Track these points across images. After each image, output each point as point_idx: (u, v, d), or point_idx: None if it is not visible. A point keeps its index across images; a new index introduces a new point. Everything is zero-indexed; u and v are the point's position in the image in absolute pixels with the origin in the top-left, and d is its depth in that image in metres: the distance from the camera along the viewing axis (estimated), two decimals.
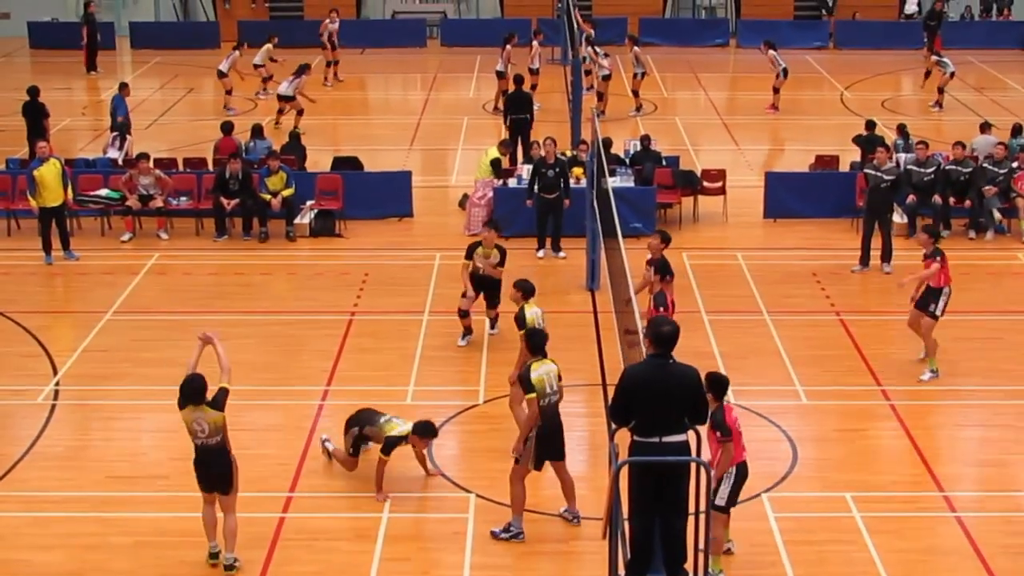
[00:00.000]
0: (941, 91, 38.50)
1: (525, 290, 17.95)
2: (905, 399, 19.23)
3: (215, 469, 14.56)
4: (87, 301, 23.20)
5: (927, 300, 19.79)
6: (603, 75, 36.58)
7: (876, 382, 19.85)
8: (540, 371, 15.07)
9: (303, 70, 35.37)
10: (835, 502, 16.40)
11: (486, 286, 21.00)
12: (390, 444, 16.05)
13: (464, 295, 20.85)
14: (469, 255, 20.83)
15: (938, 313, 19.73)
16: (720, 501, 14.12)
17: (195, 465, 14.66)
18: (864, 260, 24.54)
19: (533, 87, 36.46)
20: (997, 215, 26.69)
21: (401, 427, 16.19)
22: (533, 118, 32.08)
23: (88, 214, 27.05)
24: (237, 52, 37.55)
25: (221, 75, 37.04)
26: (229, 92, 37.13)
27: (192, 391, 14.38)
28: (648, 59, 38.29)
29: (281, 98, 34.95)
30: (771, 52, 37.58)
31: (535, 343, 15.41)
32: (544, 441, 15.19)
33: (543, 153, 25.31)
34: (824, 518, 16.13)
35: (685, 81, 42.23)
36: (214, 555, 14.76)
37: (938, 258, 19.61)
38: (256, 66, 38.60)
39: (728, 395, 14.43)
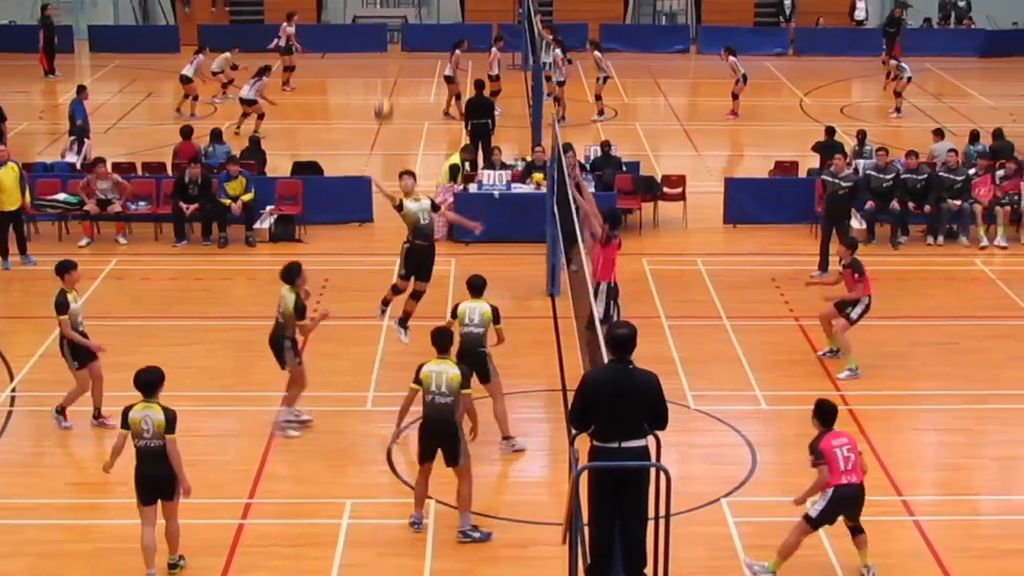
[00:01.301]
0: (899, 95, 38.82)
1: (474, 287, 17.88)
2: (863, 404, 19.33)
3: (159, 471, 14.27)
4: (45, 306, 22.89)
5: (846, 304, 20.12)
6: (558, 80, 36.67)
7: (835, 387, 19.92)
8: (432, 368, 15.34)
9: (263, 71, 35.37)
10: (794, 507, 16.45)
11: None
12: None
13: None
14: (400, 207, 20.96)
15: (854, 317, 20.04)
16: (812, 513, 14.52)
17: (137, 472, 14.38)
18: (823, 265, 24.63)
19: (495, 93, 36.52)
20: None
21: None
22: (494, 124, 32.14)
23: (46, 218, 26.96)
24: (201, 56, 37.46)
25: (186, 80, 36.82)
26: (195, 98, 36.90)
27: (145, 383, 14.38)
28: (609, 64, 38.32)
29: (243, 101, 34.88)
30: (731, 58, 37.72)
31: (438, 343, 15.65)
32: (423, 436, 15.54)
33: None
34: (784, 523, 16.13)
35: (646, 87, 42.35)
36: None
37: (856, 274, 19.94)
38: (214, 73, 38.54)
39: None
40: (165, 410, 14.29)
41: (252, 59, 38.57)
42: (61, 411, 18.09)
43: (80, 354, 17.83)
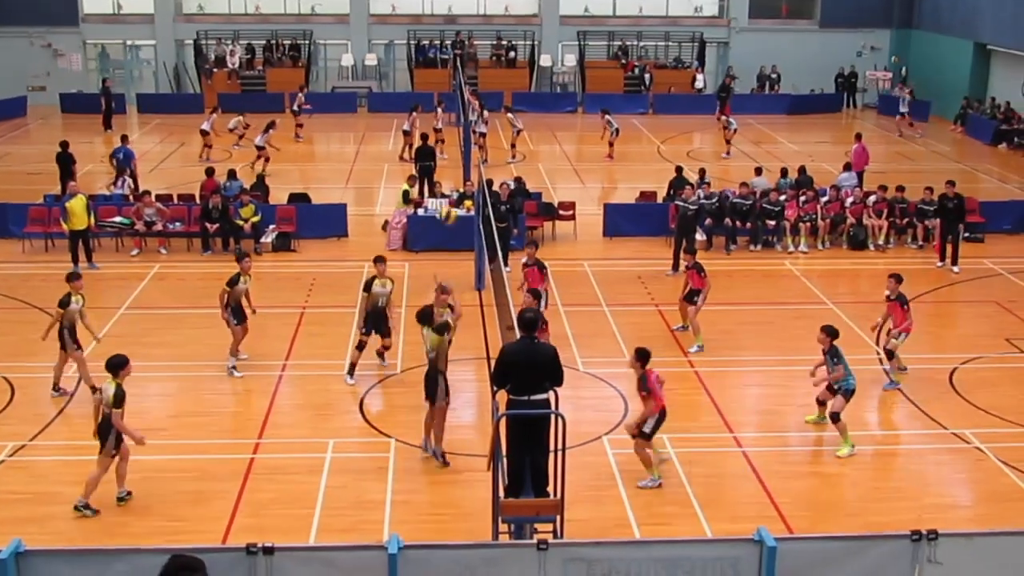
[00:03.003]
0: (728, 143, 39.11)
1: (421, 318, 16.17)
2: (704, 367, 19.45)
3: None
4: (106, 300, 22.78)
5: (693, 294, 20.50)
6: (480, 132, 36.67)
7: (684, 354, 20.04)
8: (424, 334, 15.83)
9: (271, 126, 35.21)
10: (655, 442, 16.50)
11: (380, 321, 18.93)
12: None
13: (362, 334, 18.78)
14: (367, 288, 18.87)
15: (699, 303, 20.33)
16: (647, 430, 15.14)
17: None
18: (675, 267, 24.76)
19: (440, 142, 36.47)
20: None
21: None
22: (436, 165, 32.03)
23: (106, 235, 26.64)
24: (214, 114, 37.22)
25: (204, 133, 36.55)
26: (209, 147, 36.59)
27: (110, 364, 14.51)
28: (520, 120, 38.29)
29: (257, 148, 34.71)
30: (607, 117, 37.88)
31: (421, 319, 15.95)
32: (424, 382, 15.85)
33: (501, 193, 25.27)
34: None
35: (545, 138, 42.30)
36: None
37: (699, 273, 20.40)
38: (230, 129, 38.27)
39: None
40: (117, 387, 14.32)
41: (259, 118, 38.23)
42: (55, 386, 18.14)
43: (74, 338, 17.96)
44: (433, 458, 15.78)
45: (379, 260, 19.16)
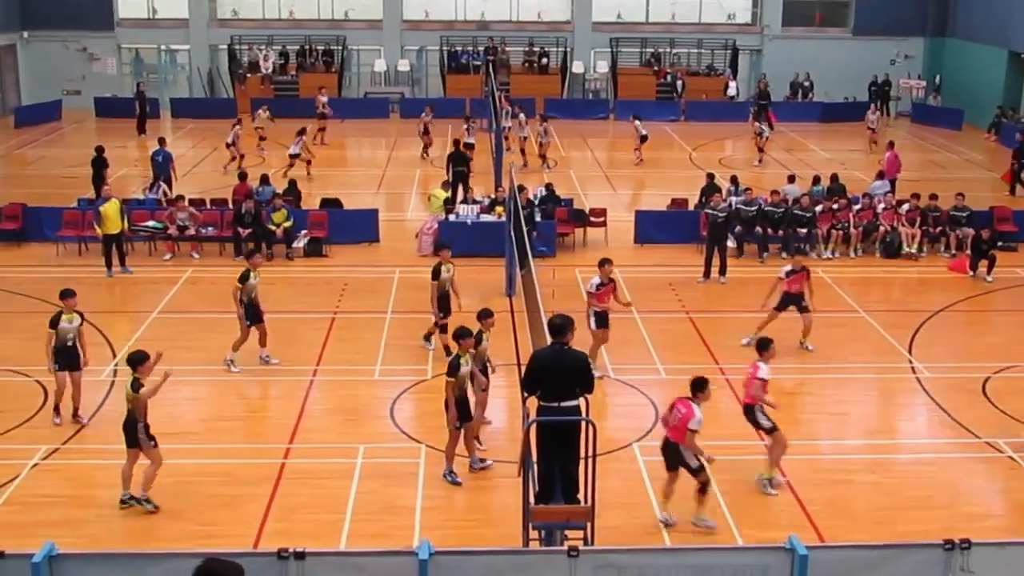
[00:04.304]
0: (761, 151, 39.01)
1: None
2: (736, 375, 19.26)
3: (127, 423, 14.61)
4: (139, 304, 22.95)
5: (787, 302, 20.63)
6: (522, 135, 36.71)
7: (715, 361, 19.99)
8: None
9: (302, 132, 35.36)
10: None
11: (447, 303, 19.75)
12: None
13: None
14: (436, 275, 19.59)
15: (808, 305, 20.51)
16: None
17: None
18: (706, 274, 24.71)
19: (468, 147, 36.49)
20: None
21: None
22: (470, 171, 32.05)
23: (139, 239, 26.80)
24: (238, 127, 36.24)
25: (229, 145, 35.97)
26: (238, 157, 35.50)
27: (130, 359, 14.71)
28: (551, 128, 38.33)
29: (291, 156, 34.83)
30: (636, 122, 37.99)
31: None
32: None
33: (521, 199, 25.32)
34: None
35: (577, 144, 42.31)
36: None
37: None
38: (257, 128, 38.60)
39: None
40: (134, 380, 14.48)
41: (292, 123, 38.45)
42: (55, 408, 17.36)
43: (61, 360, 16.99)
44: (471, 468, 15.82)
45: (443, 247, 20.12)
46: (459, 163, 31.80)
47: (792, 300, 20.51)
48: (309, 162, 35.02)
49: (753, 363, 15.64)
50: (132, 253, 26.09)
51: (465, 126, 37.72)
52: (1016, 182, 33.75)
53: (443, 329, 19.36)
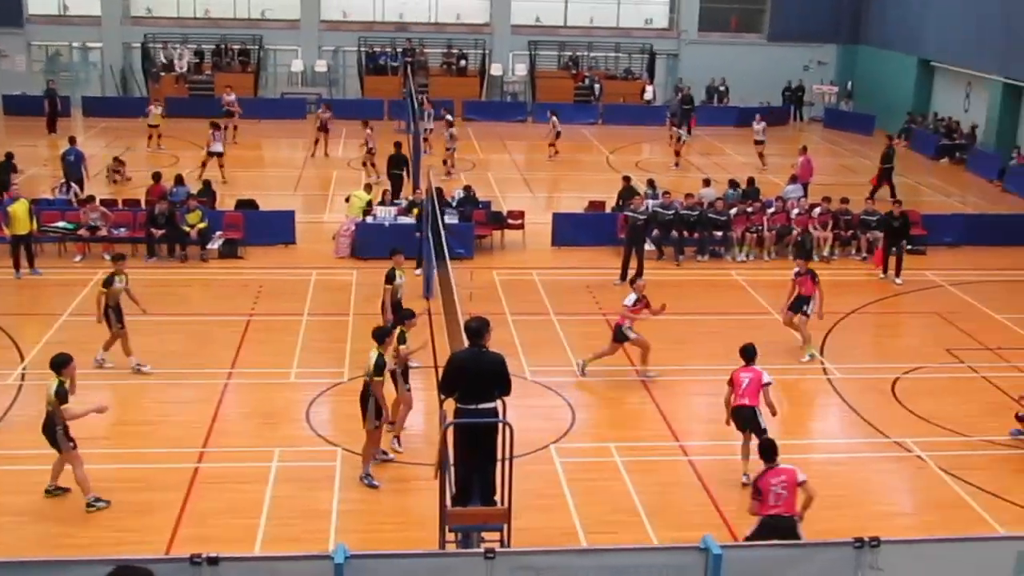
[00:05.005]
0: (677, 154, 39.39)
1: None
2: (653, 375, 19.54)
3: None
4: (48, 306, 22.55)
5: (800, 303, 20.84)
6: (451, 135, 36.54)
7: (631, 363, 20.12)
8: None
9: (216, 127, 34.81)
10: (603, 450, 16.62)
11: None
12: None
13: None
14: (391, 279, 19.45)
15: (808, 311, 20.73)
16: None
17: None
18: (623, 276, 24.86)
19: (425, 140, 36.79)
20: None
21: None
22: (408, 175, 31.62)
23: (49, 240, 26.32)
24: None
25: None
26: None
27: (53, 362, 14.66)
28: (457, 132, 38.12)
29: (213, 154, 34.28)
30: (554, 118, 39.04)
31: (374, 335, 15.66)
32: None
33: (414, 199, 25.31)
34: (595, 462, 16.32)
35: (495, 146, 42.35)
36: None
37: (815, 280, 20.78)
38: (150, 126, 38.50)
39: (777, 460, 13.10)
40: (59, 384, 14.45)
41: (204, 123, 37.99)
42: None
43: None
44: (383, 463, 15.84)
45: (396, 252, 19.85)
46: (397, 166, 31.53)
47: (804, 301, 20.91)
48: (216, 163, 34.41)
49: (748, 368, 15.95)
50: (41, 254, 25.60)
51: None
52: (880, 185, 34.19)
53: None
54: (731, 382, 15.94)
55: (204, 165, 34.13)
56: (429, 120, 38.76)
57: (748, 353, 16.15)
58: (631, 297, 19.58)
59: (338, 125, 40.25)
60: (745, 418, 15.65)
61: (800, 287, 20.86)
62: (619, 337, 19.43)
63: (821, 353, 20.94)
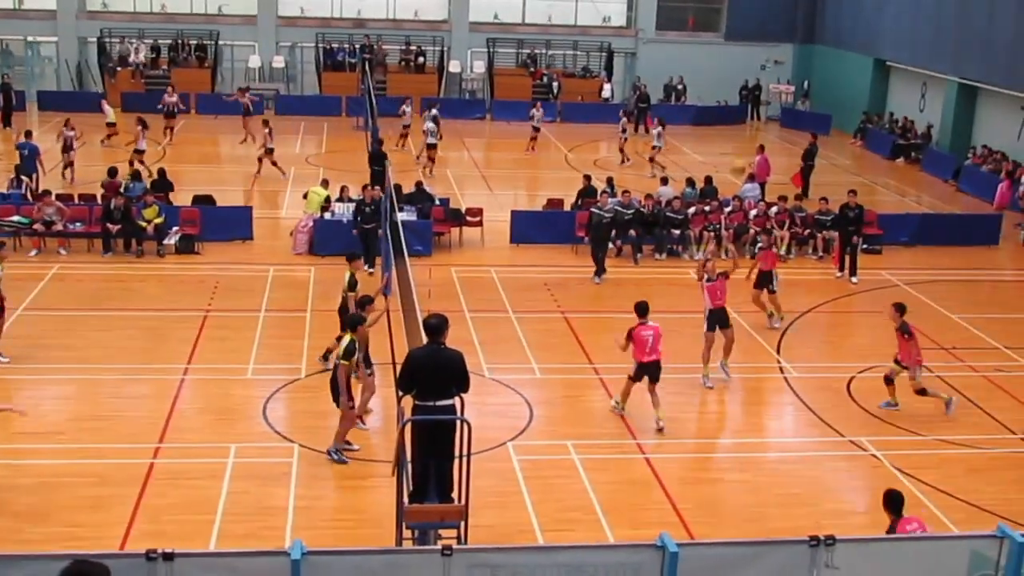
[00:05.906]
0: (622, 151, 39.51)
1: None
2: (609, 374, 19.53)
3: None
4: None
5: (764, 280, 22.17)
6: (429, 131, 36.31)
7: (589, 361, 20.16)
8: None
9: (142, 123, 34.37)
10: (560, 448, 16.63)
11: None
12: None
13: None
14: (353, 286, 18.93)
15: (775, 288, 22.24)
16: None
17: None
18: (598, 272, 24.97)
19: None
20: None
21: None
22: (386, 171, 31.38)
23: (4, 235, 25.96)
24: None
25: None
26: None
27: None
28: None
29: (138, 151, 33.81)
30: (538, 112, 40.69)
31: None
32: None
33: (365, 196, 25.23)
34: (552, 460, 16.32)
35: (454, 144, 42.25)
36: None
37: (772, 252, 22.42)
38: (108, 124, 38.28)
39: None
40: None
41: (159, 118, 37.78)
42: None
43: None
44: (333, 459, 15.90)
45: (355, 257, 19.62)
46: (377, 162, 31.36)
47: (768, 279, 21.94)
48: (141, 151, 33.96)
49: (647, 326, 17.55)
50: None
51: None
52: (807, 183, 34.64)
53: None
54: (632, 338, 17.26)
55: (132, 163, 33.39)
56: (407, 117, 38.90)
57: (643, 309, 17.49)
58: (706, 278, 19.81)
59: (295, 121, 40.06)
60: (658, 369, 17.40)
61: (762, 262, 21.78)
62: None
63: (777, 352, 21.07)
